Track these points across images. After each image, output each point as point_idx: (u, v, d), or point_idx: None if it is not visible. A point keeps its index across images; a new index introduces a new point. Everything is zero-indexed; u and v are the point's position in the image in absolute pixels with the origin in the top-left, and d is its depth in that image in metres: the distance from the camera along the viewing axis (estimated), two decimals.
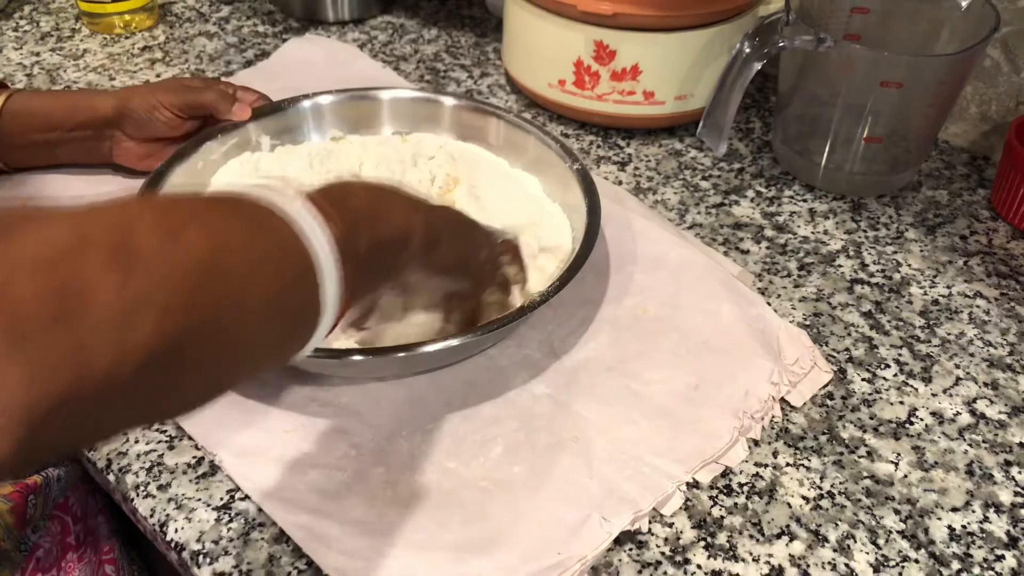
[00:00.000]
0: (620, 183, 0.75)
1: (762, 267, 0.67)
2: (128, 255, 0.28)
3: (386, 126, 0.73)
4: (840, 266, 0.67)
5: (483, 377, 0.56)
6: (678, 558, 0.47)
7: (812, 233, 0.70)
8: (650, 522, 0.49)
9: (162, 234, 0.30)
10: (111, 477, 0.51)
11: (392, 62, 0.91)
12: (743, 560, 0.47)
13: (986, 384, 0.58)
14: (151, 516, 0.49)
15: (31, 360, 0.25)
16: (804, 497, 0.51)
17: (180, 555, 0.47)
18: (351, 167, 0.68)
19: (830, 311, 0.63)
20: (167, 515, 0.48)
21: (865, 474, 0.52)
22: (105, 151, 0.69)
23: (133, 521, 0.51)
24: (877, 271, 0.67)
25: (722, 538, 0.48)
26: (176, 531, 0.48)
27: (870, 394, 0.57)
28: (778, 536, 0.49)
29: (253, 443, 0.52)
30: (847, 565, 0.48)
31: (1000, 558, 0.48)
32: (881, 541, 0.49)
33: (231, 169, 0.68)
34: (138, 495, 0.49)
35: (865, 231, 0.71)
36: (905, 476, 0.52)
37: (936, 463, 0.53)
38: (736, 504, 0.50)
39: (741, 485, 0.51)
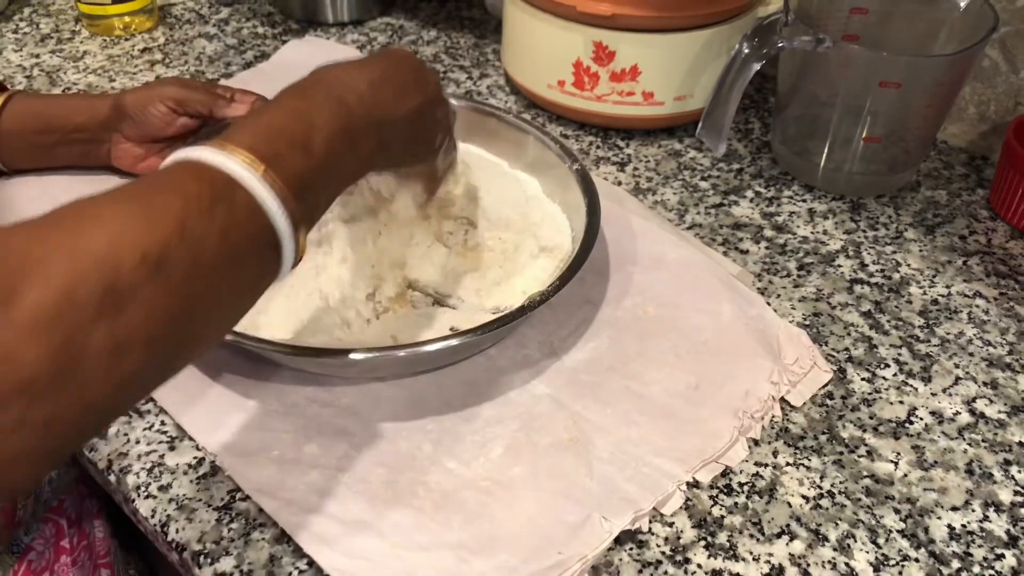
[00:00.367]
0: (619, 183, 0.75)
1: (762, 267, 0.67)
2: (115, 299, 0.31)
3: None
4: (839, 266, 0.67)
5: (483, 377, 0.56)
6: (678, 557, 0.48)
7: (811, 233, 0.71)
8: (650, 522, 0.49)
9: (146, 268, 0.32)
10: (112, 478, 0.51)
11: None
12: (743, 559, 0.48)
13: (985, 383, 0.58)
14: (152, 517, 0.49)
15: (46, 416, 0.29)
16: (804, 496, 0.51)
17: (181, 555, 0.47)
18: None
19: (829, 311, 0.63)
20: (168, 516, 0.48)
21: (865, 473, 0.52)
22: (103, 154, 0.69)
23: (134, 522, 0.51)
24: (876, 271, 0.67)
25: (722, 537, 0.49)
26: (177, 531, 0.48)
27: (870, 394, 0.57)
28: (778, 535, 0.49)
29: (253, 443, 0.52)
30: (847, 564, 0.48)
31: (1000, 557, 0.48)
32: (881, 540, 0.49)
33: None
34: (139, 496, 0.49)
35: (864, 231, 0.71)
36: (905, 475, 0.52)
37: (936, 462, 0.53)
38: (736, 503, 0.50)
39: (741, 485, 0.51)
